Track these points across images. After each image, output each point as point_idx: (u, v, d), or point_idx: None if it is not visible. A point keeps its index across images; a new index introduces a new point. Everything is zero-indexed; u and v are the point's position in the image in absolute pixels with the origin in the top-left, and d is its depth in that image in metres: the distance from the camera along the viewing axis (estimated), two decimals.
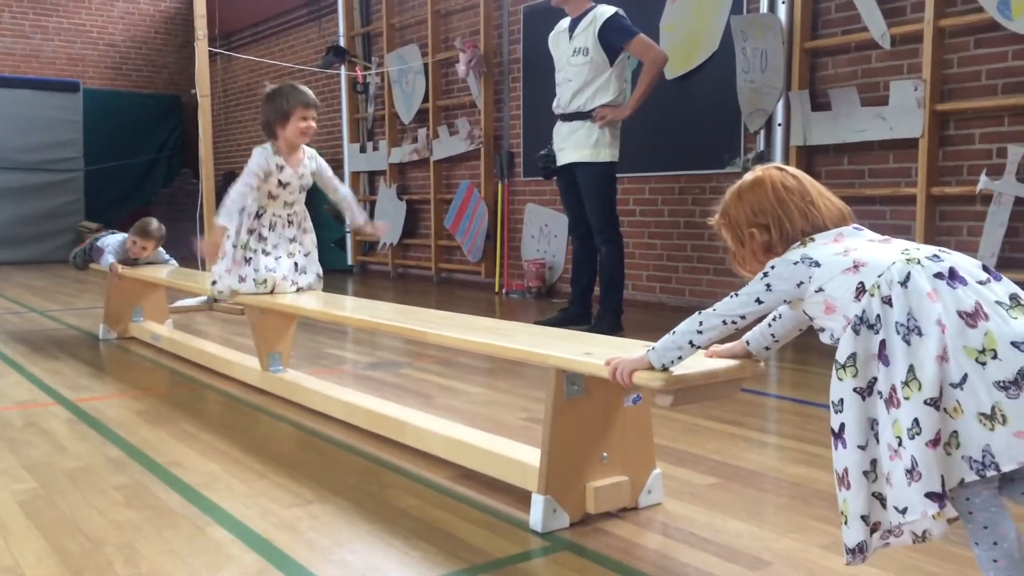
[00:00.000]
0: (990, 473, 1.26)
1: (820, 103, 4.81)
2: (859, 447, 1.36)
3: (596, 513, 1.97)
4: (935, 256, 1.37)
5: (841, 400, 1.40)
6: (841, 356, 1.41)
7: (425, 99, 7.75)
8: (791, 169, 1.64)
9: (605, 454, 1.99)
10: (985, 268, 1.36)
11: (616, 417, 2.01)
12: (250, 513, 2.02)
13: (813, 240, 1.54)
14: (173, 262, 4.78)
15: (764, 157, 5.02)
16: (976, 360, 1.27)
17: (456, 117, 7.53)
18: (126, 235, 4.58)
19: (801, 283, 1.51)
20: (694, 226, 5.62)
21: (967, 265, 1.36)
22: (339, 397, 2.89)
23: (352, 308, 3.11)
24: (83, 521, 1.98)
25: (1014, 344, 1.26)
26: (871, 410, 1.36)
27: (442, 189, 7.70)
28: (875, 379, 1.36)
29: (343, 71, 8.66)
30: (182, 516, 2.00)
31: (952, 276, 1.33)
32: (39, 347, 4.27)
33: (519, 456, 2.11)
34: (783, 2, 4.87)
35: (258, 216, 3.29)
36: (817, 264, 1.49)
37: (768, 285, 1.59)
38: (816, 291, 1.49)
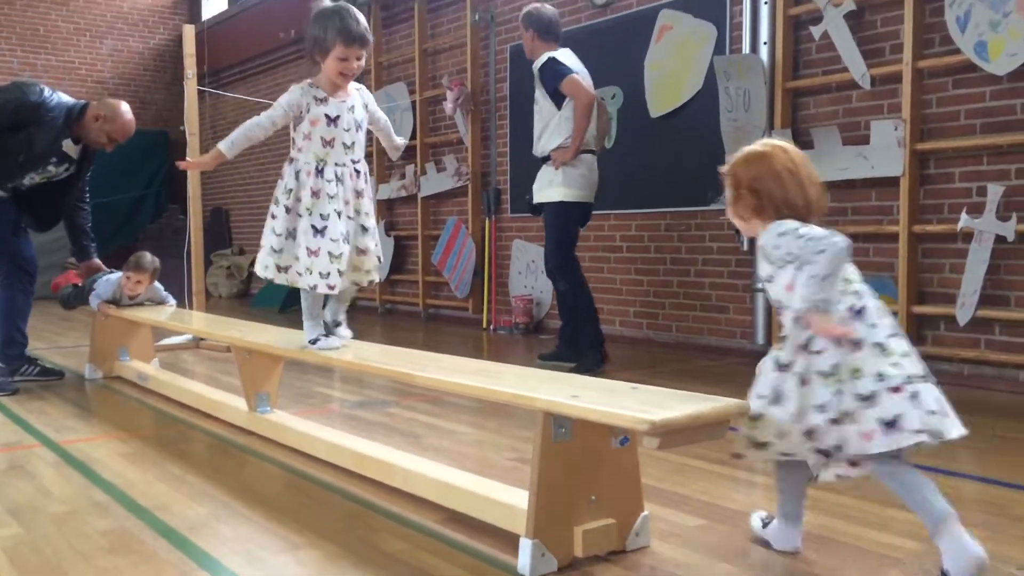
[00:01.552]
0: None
1: (803, 142, 4.87)
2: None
3: (584, 557, 1.97)
4: (857, 293, 1.89)
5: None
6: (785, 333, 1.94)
7: (413, 136, 7.80)
8: (793, 151, 2.02)
9: (593, 497, 1.99)
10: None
11: (604, 459, 2.02)
12: (237, 560, 2.01)
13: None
14: (172, 300, 4.68)
15: None
16: (851, 377, 1.82)
17: (443, 154, 7.59)
18: (116, 276, 4.49)
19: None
20: (680, 262, 5.67)
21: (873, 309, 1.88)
22: (326, 438, 2.88)
23: (336, 351, 3.10)
24: (68, 567, 1.96)
25: (877, 375, 1.80)
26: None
27: (430, 225, 7.74)
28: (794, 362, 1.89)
29: None
30: (168, 562, 1.99)
31: (860, 312, 1.86)
32: (25, 387, 4.24)
33: (507, 499, 2.11)
34: (765, 43, 4.96)
35: (319, 173, 2.69)
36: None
37: (802, 237, 1.91)
38: (797, 268, 1.92)
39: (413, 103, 7.75)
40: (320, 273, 2.65)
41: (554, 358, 4.74)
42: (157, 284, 4.56)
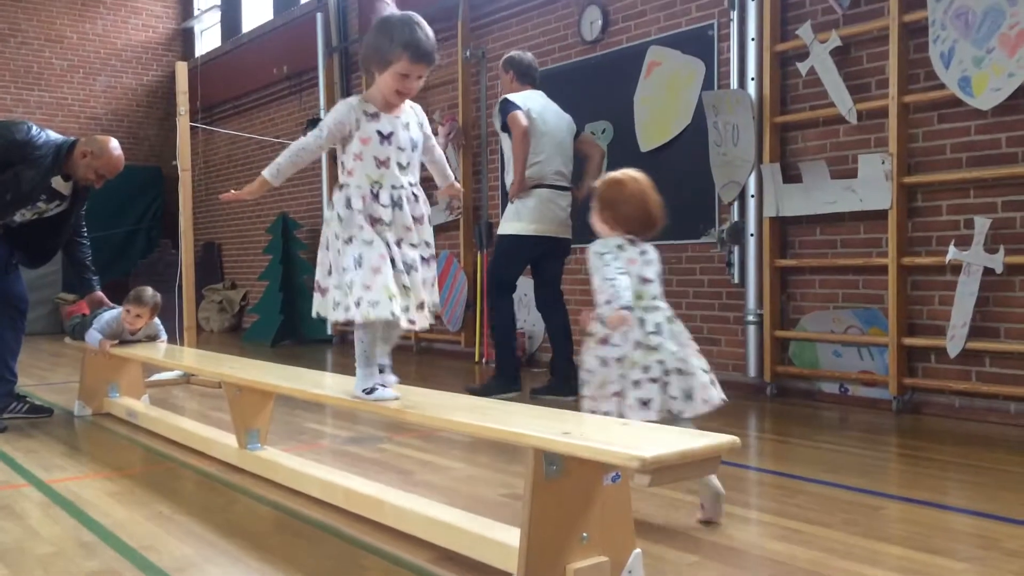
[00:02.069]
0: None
1: (791, 175, 4.92)
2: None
3: None
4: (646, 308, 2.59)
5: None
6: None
7: None
8: (642, 180, 2.73)
9: (585, 534, 1.98)
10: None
11: (595, 496, 2.01)
12: None
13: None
14: (164, 335, 4.62)
15: (739, 228, 5.11)
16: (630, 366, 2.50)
17: (436, 188, 7.60)
18: (116, 312, 4.40)
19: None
20: (671, 295, 5.64)
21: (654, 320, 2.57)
22: (317, 475, 2.86)
23: (331, 386, 3.09)
24: None
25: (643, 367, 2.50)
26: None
27: None
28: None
29: None
30: None
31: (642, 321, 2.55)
32: (13, 424, 4.21)
33: (499, 537, 2.10)
34: (752, 78, 5.02)
35: (375, 196, 2.39)
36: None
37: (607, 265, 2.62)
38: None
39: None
40: (371, 303, 2.30)
41: (548, 391, 4.76)
42: (156, 319, 4.51)
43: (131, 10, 11.92)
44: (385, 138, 2.42)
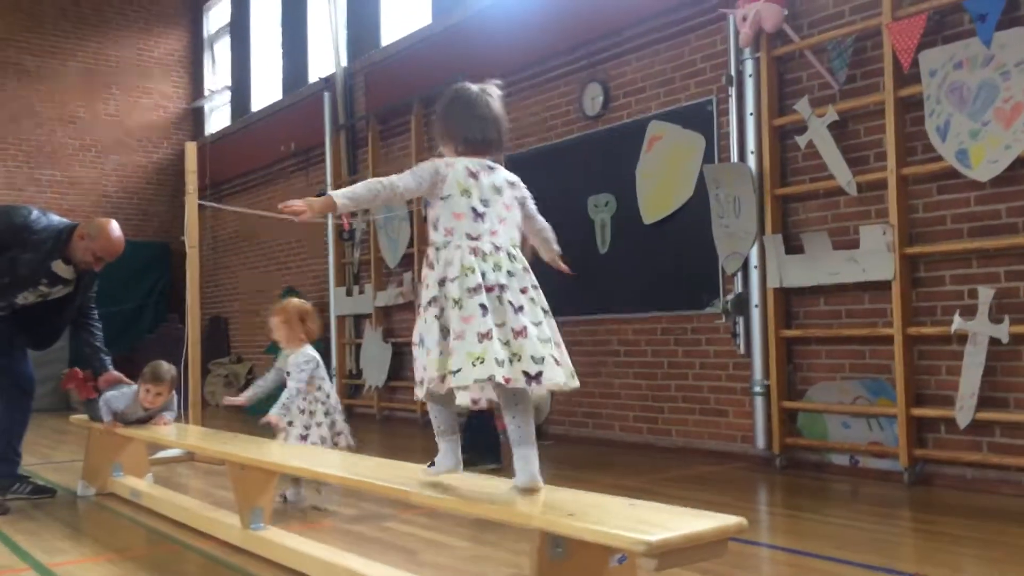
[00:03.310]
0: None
1: (793, 246, 4.95)
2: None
3: None
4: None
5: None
6: None
7: (410, 244, 7.91)
8: (298, 303, 4.02)
9: None
10: None
11: None
12: None
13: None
14: (174, 409, 4.53)
15: (743, 298, 5.13)
16: None
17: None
18: (132, 390, 4.36)
19: None
20: (678, 366, 5.67)
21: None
22: (321, 556, 2.83)
23: (337, 464, 3.08)
24: None
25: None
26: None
27: None
28: None
29: (330, 218, 8.87)
30: None
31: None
32: (16, 505, 4.17)
33: None
34: (752, 152, 5.09)
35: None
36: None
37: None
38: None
39: (410, 212, 7.89)
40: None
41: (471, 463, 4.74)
42: (172, 394, 4.44)
43: (143, 91, 12.20)
44: (497, 191, 2.48)
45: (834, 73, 4.76)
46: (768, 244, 4.98)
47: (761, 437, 5.03)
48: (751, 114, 5.11)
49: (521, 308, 2.26)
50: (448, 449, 2.42)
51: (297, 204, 2.31)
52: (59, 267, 4.14)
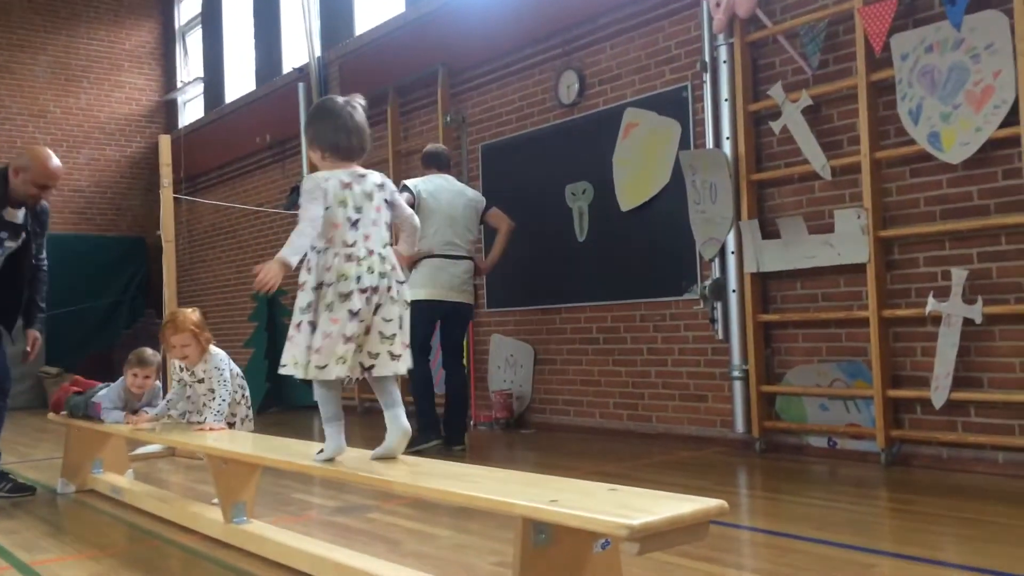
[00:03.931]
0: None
1: (770, 231, 4.99)
2: None
3: None
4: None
5: None
6: None
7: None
8: (188, 312, 3.89)
9: None
10: None
11: (586, 563, 2.00)
12: None
13: None
14: (161, 399, 4.35)
15: (720, 283, 5.16)
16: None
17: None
18: (119, 382, 4.29)
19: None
20: (657, 352, 5.70)
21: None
22: (305, 549, 2.83)
23: (318, 457, 3.07)
24: None
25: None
26: None
27: None
28: None
29: None
30: None
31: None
32: None
33: None
34: (727, 137, 5.12)
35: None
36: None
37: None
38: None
39: None
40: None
41: (424, 442, 5.21)
42: (157, 382, 4.38)
43: (114, 84, 12.06)
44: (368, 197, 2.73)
45: (807, 58, 4.79)
46: (744, 229, 5.02)
47: (740, 421, 5.08)
48: (726, 100, 5.14)
49: (379, 306, 2.60)
50: (333, 433, 2.75)
51: (261, 277, 2.56)
52: (9, 213, 4.07)
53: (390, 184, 2.73)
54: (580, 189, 6.15)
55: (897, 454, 4.43)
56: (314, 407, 8.51)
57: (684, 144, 5.47)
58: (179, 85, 12.34)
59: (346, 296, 2.52)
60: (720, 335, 5.23)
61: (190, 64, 12.43)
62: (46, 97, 11.49)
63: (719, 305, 5.21)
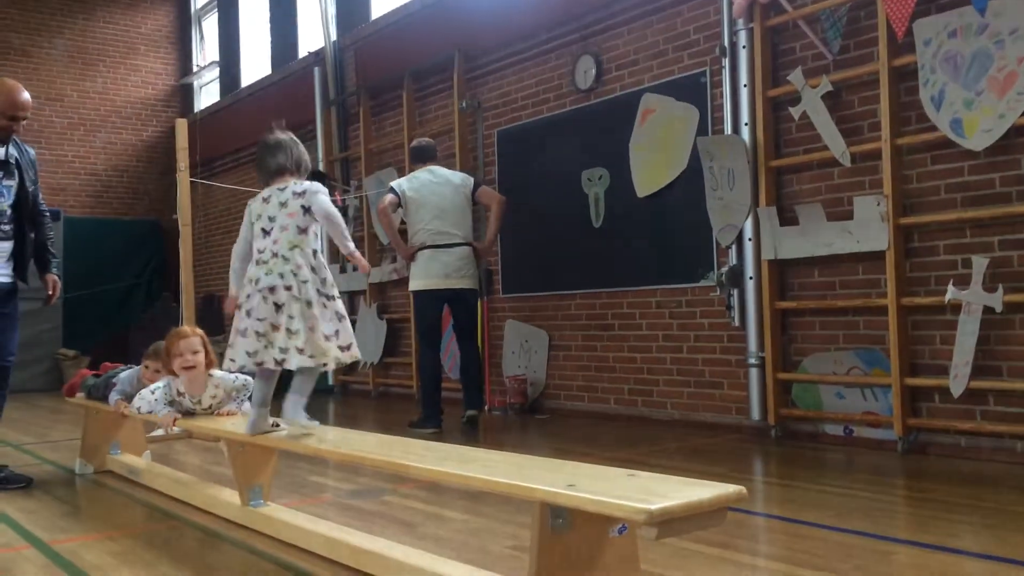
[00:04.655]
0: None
1: (788, 218, 4.95)
2: None
3: None
4: None
5: None
6: None
7: (403, 220, 7.88)
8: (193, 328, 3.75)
9: None
10: None
11: (603, 548, 2.00)
12: None
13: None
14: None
15: (737, 271, 5.14)
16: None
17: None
18: (135, 369, 4.29)
19: None
20: (672, 339, 5.68)
21: None
22: (321, 532, 2.84)
23: (335, 441, 3.08)
24: None
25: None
26: None
27: None
28: None
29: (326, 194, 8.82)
30: None
31: None
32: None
33: None
34: (746, 123, 5.08)
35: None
36: None
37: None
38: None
39: None
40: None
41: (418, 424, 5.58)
42: None
43: (130, 68, 12.09)
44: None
45: (828, 43, 4.74)
46: (762, 216, 4.98)
47: (756, 409, 5.06)
48: (745, 86, 5.09)
49: (281, 305, 2.83)
50: (260, 415, 3.05)
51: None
52: None
53: (313, 191, 2.95)
54: (596, 175, 6.12)
55: (914, 442, 4.40)
56: (326, 392, 8.66)
57: (702, 130, 5.43)
58: (195, 69, 12.35)
59: (248, 296, 2.88)
60: (736, 322, 5.21)
61: (206, 48, 12.44)
62: (63, 81, 11.53)
63: (735, 292, 5.18)
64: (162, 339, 4.34)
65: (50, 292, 4.33)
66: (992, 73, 4.09)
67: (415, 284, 5.72)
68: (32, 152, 4.34)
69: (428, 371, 5.73)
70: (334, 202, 8.75)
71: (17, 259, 4.17)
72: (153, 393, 3.78)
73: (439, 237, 5.62)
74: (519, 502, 3.31)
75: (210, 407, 3.71)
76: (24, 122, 4.12)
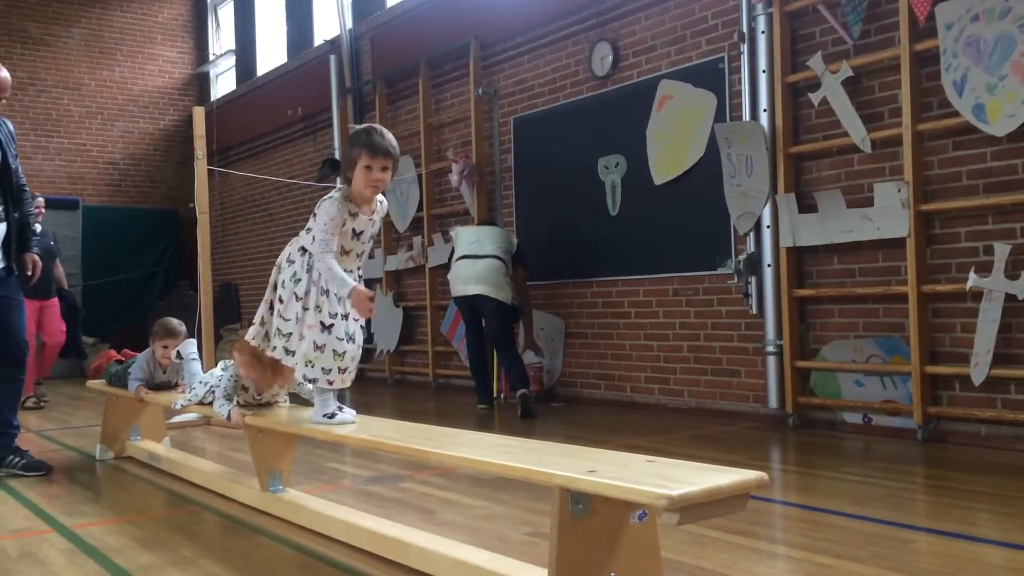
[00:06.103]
0: None
1: (807, 205, 4.92)
2: None
3: None
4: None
5: None
6: None
7: (419, 208, 7.89)
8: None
9: (612, 573, 1.96)
10: None
11: (622, 535, 1.99)
12: None
13: None
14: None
15: (755, 258, 5.11)
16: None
17: (450, 225, 7.64)
18: (146, 352, 4.29)
19: None
20: (689, 327, 5.67)
21: None
22: (340, 517, 2.86)
23: (353, 426, 3.09)
24: None
25: None
26: None
27: (438, 295, 7.76)
28: None
29: (338, 181, 8.83)
30: None
31: None
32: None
33: None
34: (764, 110, 5.04)
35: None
36: None
37: None
38: None
39: (419, 176, 7.86)
40: (323, 368, 2.82)
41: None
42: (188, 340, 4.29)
43: (148, 57, 12.12)
44: (357, 235, 2.88)
45: (848, 28, 4.69)
46: (781, 203, 4.95)
47: (774, 396, 5.04)
48: (763, 71, 5.05)
49: (273, 307, 2.93)
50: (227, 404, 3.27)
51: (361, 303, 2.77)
52: None
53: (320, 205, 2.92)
54: (613, 162, 6.09)
55: (934, 431, 4.37)
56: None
57: (720, 117, 5.40)
58: (211, 58, 12.37)
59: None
60: (754, 310, 5.19)
61: (222, 37, 12.45)
62: (80, 70, 11.58)
63: (753, 280, 5.16)
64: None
65: (29, 272, 4.11)
66: (1015, 58, 4.04)
67: (453, 291, 6.15)
68: (10, 125, 4.18)
69: (470, 361, 6.31)
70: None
71: (8, 243, 4.02)
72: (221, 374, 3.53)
73: (472, 248, 5.96)
74: (537, 489, 3.32)
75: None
76: (3, 102, 3.97)
